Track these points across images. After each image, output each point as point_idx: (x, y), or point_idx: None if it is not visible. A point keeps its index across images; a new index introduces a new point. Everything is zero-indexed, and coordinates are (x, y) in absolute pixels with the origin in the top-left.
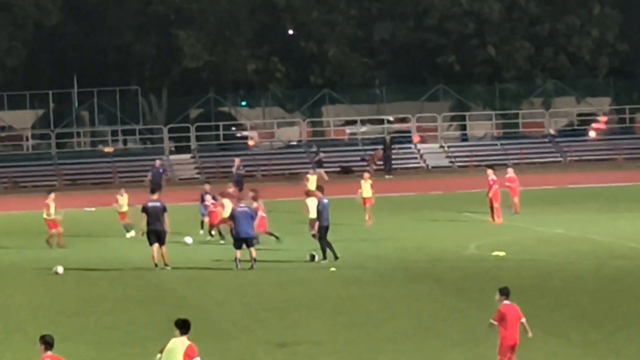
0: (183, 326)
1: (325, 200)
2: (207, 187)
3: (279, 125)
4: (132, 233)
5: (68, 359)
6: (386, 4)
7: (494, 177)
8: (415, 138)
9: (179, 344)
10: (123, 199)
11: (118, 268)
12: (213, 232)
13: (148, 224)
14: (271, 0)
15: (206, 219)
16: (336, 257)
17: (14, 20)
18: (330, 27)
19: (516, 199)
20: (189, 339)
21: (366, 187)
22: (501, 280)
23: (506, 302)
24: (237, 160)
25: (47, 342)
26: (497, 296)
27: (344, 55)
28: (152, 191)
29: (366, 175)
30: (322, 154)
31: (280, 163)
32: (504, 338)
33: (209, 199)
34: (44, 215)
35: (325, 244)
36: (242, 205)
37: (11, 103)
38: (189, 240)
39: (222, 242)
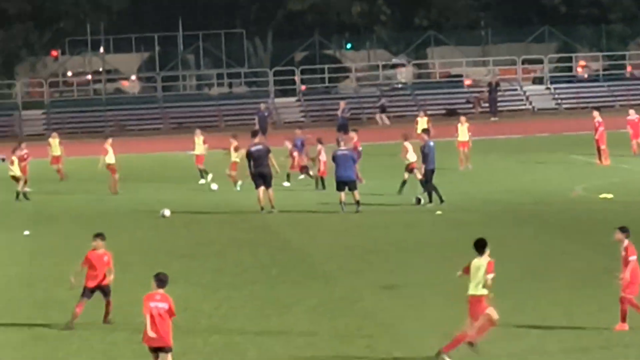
0: (480, 246)
1: (432, 143)
2: (297, 131)
3: (384, 68)
4: (214, 185)
5: (176, 300)
6: None
7: (600, 119)
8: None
9: (483, 261)
10: (199, 140)
11: (225, 211)
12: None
13: (253, 167)
14: None
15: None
16: (442, 200)
17: None
18: None
19: (634, 142)
20: (489, 256)
21: (463, 131)
22: (608, 222)
23: (627, 240)
24: (342, 103)
25: (160, 280)
26: (619, 235)
27: None
28: (253, 135)
29: (462, 118)
30: (384, 99)
31: (388, 106)
32: (637, 274)
33: (288, 144)
34: (106, 161)
35: (431, 187)
36: (342, 148)
37: (117, 46)
38: (214, 186)
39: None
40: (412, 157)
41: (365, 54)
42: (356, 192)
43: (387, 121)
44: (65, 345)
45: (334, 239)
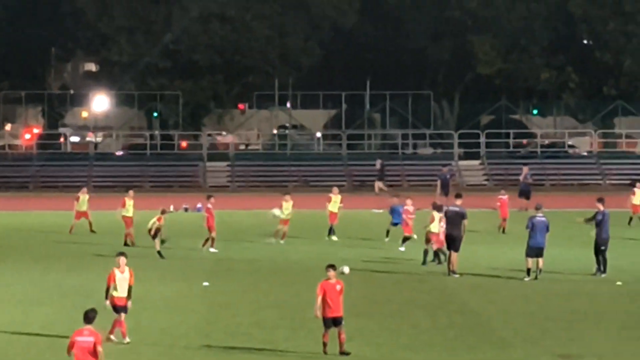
0: None
1: (607, 212)
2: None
3: (570, 136)
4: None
5: (351, 358)
6: None
7: None
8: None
9: None
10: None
11: (404, 271)
12: None
13: (446, 228)
14: (568, 9)
15: None
16: (599, 271)
17: (311, 21)
18: (626, 38)
19: None
20: None
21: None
22: None
23: None
24: (525, 169)
25: (87, 316)
26: None
27: (639, 67)
28: (457, 196)
29: (638, 184)
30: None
31: (569, 173)
32: None
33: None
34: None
35: (603, 256)
36: (539, 214)
37: (304, 102)
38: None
39: None
40: (435, 228)
41: (552, 120)
42: (541, 259)
43: (383, 187)
44: None
45: (512, 304)
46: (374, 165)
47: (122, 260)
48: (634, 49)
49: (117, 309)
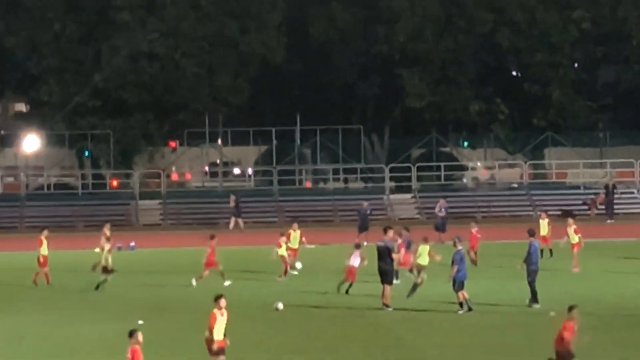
0: None
1: (536, 243)
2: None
3: (501, 167)
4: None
5: None
6: (611, 47)
7: None
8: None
9: None
10: (296, 234)
11: (336, 306)
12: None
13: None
14: (496, 41)
15: None
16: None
17: (239, 57)
18: (554, 69)
19: None
20: None
21: (571, 233)
22: None
23: None
24: (441, 201)
25: None
26: None
27: (567, 98)
28: (385, 231)
29: (570, 220)
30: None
31: (501, 205)
32: None
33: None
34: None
35: (532, 287)
36: (460, 248)
37: (235, 139)
38: (279, 305)
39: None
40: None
41: (482, 152)
42: (465, 291)
43: (240, 224)
44: None
45: (446, 338)
46: (229, 202)
47: None
48: (561, 80)
49: None
